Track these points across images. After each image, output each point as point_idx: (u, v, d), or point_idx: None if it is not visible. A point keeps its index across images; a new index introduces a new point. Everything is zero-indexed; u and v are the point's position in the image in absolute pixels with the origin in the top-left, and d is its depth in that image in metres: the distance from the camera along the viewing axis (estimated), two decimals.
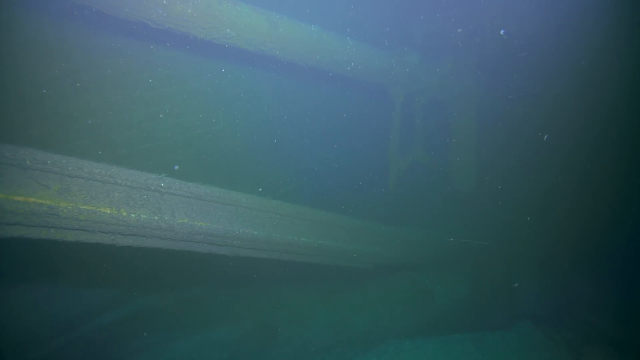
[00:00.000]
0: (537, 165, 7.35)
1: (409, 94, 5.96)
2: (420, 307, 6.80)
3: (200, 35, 4.35)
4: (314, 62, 4.94)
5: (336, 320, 6.45)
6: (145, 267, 4.84)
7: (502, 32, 5.57)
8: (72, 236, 3.03)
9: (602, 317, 7.00)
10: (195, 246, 4.01)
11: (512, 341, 6.72)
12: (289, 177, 5.59)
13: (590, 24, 6.42)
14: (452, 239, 6.46)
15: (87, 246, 3.30)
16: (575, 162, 7.19)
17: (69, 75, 3.86)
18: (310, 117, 5.59)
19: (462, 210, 7.11)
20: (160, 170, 3.75)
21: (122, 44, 4.56)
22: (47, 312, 4.90)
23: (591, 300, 7.34)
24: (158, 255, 4.14)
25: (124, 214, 3.34)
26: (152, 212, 3.57)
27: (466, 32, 6.10)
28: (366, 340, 6.56)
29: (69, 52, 3.82)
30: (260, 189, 5.96)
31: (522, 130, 7.28)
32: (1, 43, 3.80)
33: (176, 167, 4.55)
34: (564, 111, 7.13)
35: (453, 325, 6.84)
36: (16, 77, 3.97)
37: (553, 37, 6.53)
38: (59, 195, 2.87)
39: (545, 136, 7.24)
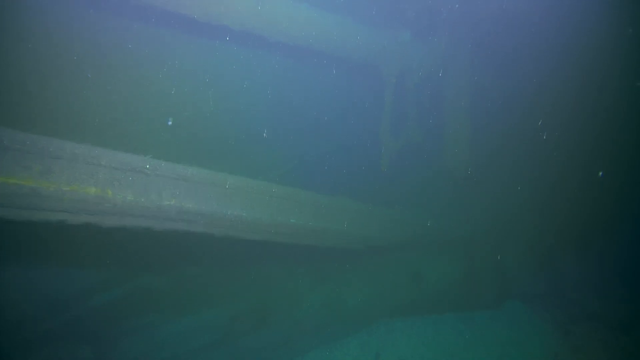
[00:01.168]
0: (530, 146, 7.34)
1: (401, 74, 5.88)
2: (411, 287, 6.88)
3: (187, 13, 4.25)
4: (303, 42, 4.84)
5: (328, 301, 6.52)
6: (137, 249, 4.85)
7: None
8: (57, 217, 3.02)
9: (590, 296, 7.12)
10: (183, 227, 4.01)
11: (502, 320, 6.85)
12: (280, 160, 5.56)
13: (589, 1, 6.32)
14: (429, 223, 6.48)
15: (73, 228, 3.28)
16: (568, 145, 7.19)
17: (50, 54, 3.77)
18: (301, 98, 5.52)
19: (454, 191, 7.12)
20: (147, 152, 3.71)
21: (106, 21, 4.45)
22: (38, 293, 4.93)
23: (580, 280, 7.45)
24: (148, 236, 4.15)
25: (110, 195, 3.32)
26: (139, 193, 3.55)
27: (461, 8, 5.98)
28: (357, 320, 6.66)
29: (48, 30, 3.72)
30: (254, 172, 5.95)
31: (517, 111, 7.24)
32: None
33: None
34: (560, 92, 7.08)
35: (443, 305, 6.94)
36: None
37: (550, 14, 6.43)
38: (40, 176, 2.84)
39: (540, 121, 7.23)
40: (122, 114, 3.99)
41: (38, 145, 2.83)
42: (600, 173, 6.72)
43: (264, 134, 5.29)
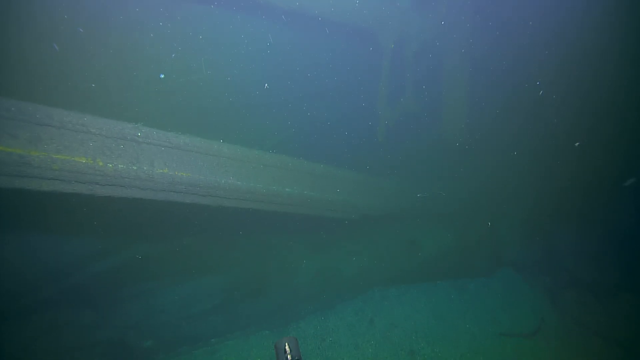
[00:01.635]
0: (527, 117, 7.26)
1: (399, 41, 5.72)
2: (405, 256, 7.00)
3: None
4: (299, 5, 4.67)
5: (324, 269, 6.63)
6: (134, 218, 4.85)
7: None
8: (48, 186, 3.00)
9: (579, 263, 7.27)
10: (177, 196, 4.00)
11: (493, 287, 7.02)
12: (275, 128, 5.49)
13: None
14: (425, 194, 6.51)
15: (66, 196, 3.27)
16: (564, 117, 7.12)
17: (36, 15, 3.61)
18: (297, 64, 5.38)
19: (450, 161, 7.11)
20: (138, 120, 3.65)
21: None
22: (38, 260, 4.98)
23: (570, 248, 7.58)
24: (144, 206, 4.15)
25: (100, 164, 3.29)
26: (130, 162, 3.52)
27: None
28: (353, 288, 6.81)
29: None
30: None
31: (516, 80, 7.11)
32: None
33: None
34: (558, 61, 6.94)
35: (437, 273, 7.09)
36: None
37: None
38: (28, 144, 2.80)
39: (540, 92, 7.13)
40: (112, 80, 3.88)
41: (25, 113, 2.77)
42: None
43: (261, 102, 5.19)
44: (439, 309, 6.44)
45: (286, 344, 1.82)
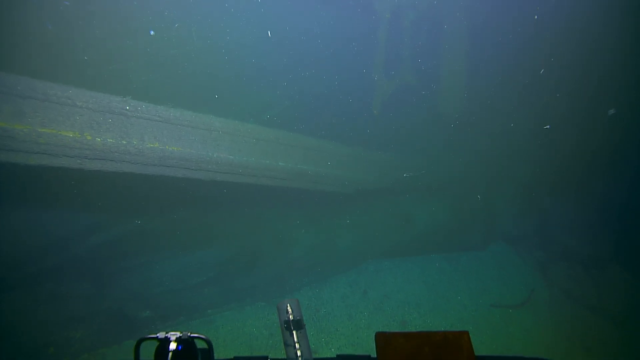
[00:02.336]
0: (525, 90, 7.16)
1: (396, 10, 5.55)
2: (400, 229, 7.07)
3: None
4: None
5: (318, 242, 6.71)
6: (130, 191, 4.84)
7: None
8: (35, 160, 2.98)
9: (571, 236, 7.35)
10: (168, 171, 3.98)
11: (485, 260, 7.13)
12: (269, 101, 5.39)
13: None
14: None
15: (55, 171, 3.25)
16: (560, 92, 7.02)
17: None
18: (290, 36, 5.22)
19: (447, 134, 7.06)
20: (127, 93, 3.58)
21: None
22: (36, 232, 5.02)
23: (563, 220, 7.65)
24: (137, 180, 4.13)
25: (89, 138, 3.26)
26: (119, 136, 3.48)
27: None
28: (347, 260, 6.91)
29: None
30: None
31: (514, 54, 6.96)
32: None
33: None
34: (558, 37, 6.77)
35: (431, 246, 7.18)
36: None
37: None
38: (12, 118, 2.75)
39: (542, 70, 7.02)
40: (99, 51, 3.76)
41: (5, 84, 2.71)
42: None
43: (254, 74, 5.07)
44: (431, 281, 6.58)
45: (287, 305, 1.86)
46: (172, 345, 1.37)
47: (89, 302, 5.80)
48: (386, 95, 6.14)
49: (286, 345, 1.76)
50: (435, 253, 7.18)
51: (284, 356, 1.77)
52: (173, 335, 1.39)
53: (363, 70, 5.91)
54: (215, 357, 1.55)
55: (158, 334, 1.40)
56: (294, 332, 1.76)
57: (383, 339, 1.57)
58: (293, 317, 1.81)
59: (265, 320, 6.01)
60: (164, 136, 3.84)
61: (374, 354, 1.64)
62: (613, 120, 6.97)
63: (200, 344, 1.48)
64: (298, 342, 1.75)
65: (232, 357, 1.80)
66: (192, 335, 1.43)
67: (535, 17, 6.41)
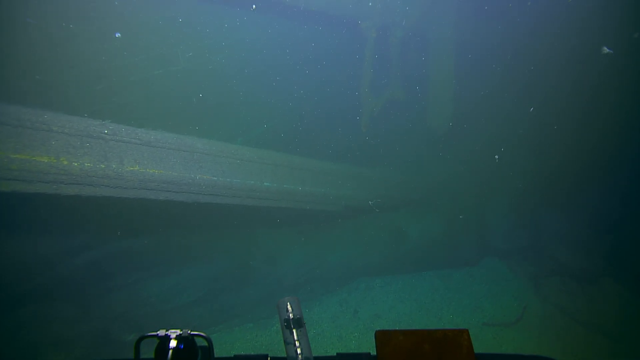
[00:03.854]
0: (513, 104, 7.19)
1: (381, 29, 5.58)
2: (391, 246, 7.00)
3: None
4: None
5: (309, 260, 6.63)
6: (116, 212, 4.78)
7: None
8: (7, 186, 2.92)
9: (563, 250, 7.29)
10: (149, 194, 3.93)
11: (478, 276, 7.05)
12: (253, 122, 5.38)
13: None
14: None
15: (30, 196, 3.19)
16: (549, 103, 7.06)
17: None
18: (275, 55, 5.23)
19: (436, 150, 7.05)
20: (105, 117, 3.55)
21: None
22: (18, 254, 4.92)
23: (555, 234, 7.60)
24: (121, 202, 4.07)
25: (65, 162, 3.21)
26: (97, 160, 3.44)
27: None
28: (338, 278, 6.83)
29: None
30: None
31: (502, 67, 7.01)
32: None
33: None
34: (545, 48, 6.83)
35: (422, 263, 7.11)
36: None
37: None
38: None
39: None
40: (75, 74, 3.73)
41: None
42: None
43: (239, 94, 5.06)
44: (423, 299, 6.48)
45: (288, 303, 1.85)
46: (173, 343, 1.40)
47: (72, 324, 5.68)
48: (374, 112, 6.14)
49: (286, 343, 1.77)
50: (427, 270, 7.10)
51: (284, 354, 1.77)
52: (173, 333, 1.42)
53: (349, 87, 5.93)
54: (215, 356, 1.56)
55: (158, 332, 1.43)
56: (294, 331, 1.77)
57: (383, 337, 1.59)
58: (293, 315, 1.82)
59: (254, 342, 5.90)
60: (145, 159, 3.80)
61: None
62: (606, 131, 6.96)
63: (200, 342, 1.51)
64: (298, 340, 1.76)
65: (232, 355, 1.81)
66: (192, 333, 1.46)
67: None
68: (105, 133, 3.47)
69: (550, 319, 6.22)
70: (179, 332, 1.44)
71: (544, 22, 6.27)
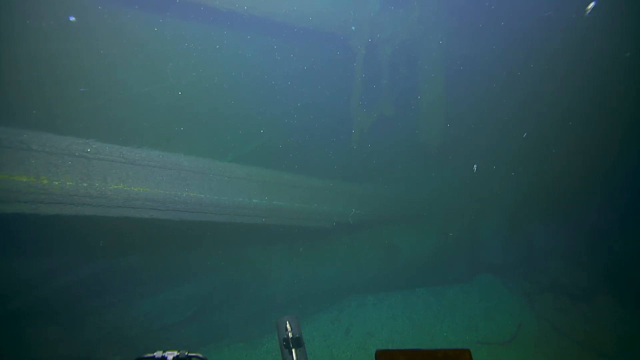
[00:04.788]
0: (504, 119, 7.22)
1: (370, 45, 5.62)
2: (384, 262, 6.91)
3: None
4: (261, 12, 4.54)
5: (300, 277, 6.53)
6: (101, 231, 4.68)
7: None
8: None
9: (558, 266, 7.24)
10: (134, 212, 3.86)
11: (471, 293, 6.96)
12: (242, 139, 5.34)
13: None
14: (401, 198, 6.43)
15: (7, 217, 3.11)
16: (542, 117, 7.10)
17: None
18: (266, 72, 5.23)
19: (428, 166, 7.04)
20: (89, 135, 3.49)
21: None
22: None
23: (550, 250, 7.56)
24: (105, 221, 3.99)
25: (45, 182, 3.14)
26: (80, 178, 3.38)
27: None
28: (330, 295, 6.71)
29: None
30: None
31: (493, 83, 7.07)
32: None
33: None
34: (536, 65, 6.90)
35: (415, 280, 7.01)
36: None
37: None
38: None
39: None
40: (58, 93, 3.69)
41: None
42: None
43: (229, 111, 5.03)
44: (416, 317, 6.37)
45: (287, 321, 1.78)
46: None
47: (54, 346, 5.51)
48: (365, 127, 6.13)
49: None
50: (420, 286, 7.00)
51: None
52: (170, 354, 1.40)
53: (340, 103, 5.93)
54: None
55: (155, 354, 1.41)
56: (293, 351, 1.71)
57: (384, 357, 1.50)
58: (292, 334, 1.76)
59: None
60: (129, 177, 3.73)
61: None
62: (601, 145, 6.97)
63: None
64: None
65: None
66: (190, 354, 1.43)
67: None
68: (88, 152, 3.41)
69: (545, 337, 6.13)
70: (176, 353, 1.42)
71: (537, 39, 6.34)
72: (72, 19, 3.79)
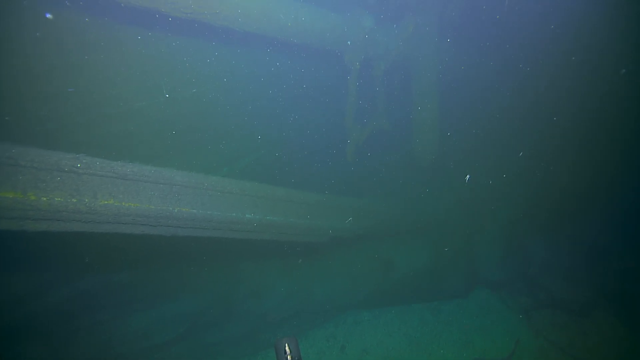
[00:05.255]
0: (498, 133, 7.25)
1: (365, 61, 5.65)
2: (379, 277, 6.83)
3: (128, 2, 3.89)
4: (254, 27, 4.56)
5: (294, 293, 6.43)
6: (91, 247, 4.61)
7: None
8: None
9: (555, 280, 7.19)
10: (124, 228, 3.79)
11: (468, 308, 6.88)
12: (237, 154, 5.33)
13: None
14: (396, 213, 6.38)
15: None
16: (539, 132, 7.13)
17: None
18: (257, 87, 5.25)
19: (423, 180, 7.02)
20: (80, 150, 3.45)
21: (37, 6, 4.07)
22: None
23: (547, 264, 7.51)
24: (94, 237, 3.92)
25: (32, 197, 3.08)
26: (69, 194, 3.31)
27: None
28: (325, 312, 6.61)
29: None
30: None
31: (486, 97, 7.12)
32: None
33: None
34: (529, 78, 6.97)
35: (411, 295, 6.93)
36: None
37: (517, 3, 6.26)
38: None
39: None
40: (48, 107, 3.67)
41: None
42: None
43: (222, 126, 5.02)
44: (412, 333, 6.28)
45: (286, 344, 1.71)
46: None
47: None
48: (360, 141, 6.13)
49: None
50: (417, 302, 6.92)
51: None
52: None
53: (334, 117, 5.93)
54: None
55: None
56: None
57: None
58: (292, 357, 1.75)
59: None
60: (120, 192, 3.68)
61: None
62: (599, 159, 6.99)
63: None
64: None
65: None
66: None
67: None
68: (78, 167, 3.36)
69: (544, 353, 6.04)
70: None
71: (533, 54, 6.40)
72: (49, 15, 3.72)
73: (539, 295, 7.07)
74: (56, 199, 3.22)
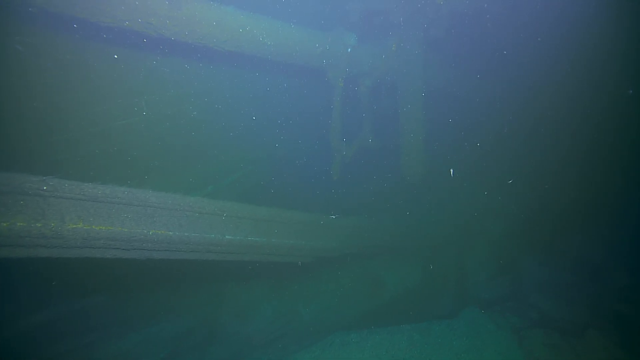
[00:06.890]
0: (487, 150, 7.22)
1: (348, 78, 5.62)
2: (367, 297, 6.68)
3: (104, 22, 3.83)
4: (237, 47, 4.52)
5: (280, 314, 6.26)
6: (58, 274, 4.45)
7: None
8: None
9: (547, 299, 7.07)
10: (94, 252, 3.64)
11: (458, 328, 6.72)
12: (221, 174, 5.22)
13: None
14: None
15: None
16: (526, 148, 7.11)
17: None
18: (239, 106, 5.18)
19: (410, 198, 6.94)
20: (47, 172, 3.32)
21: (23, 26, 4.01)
22: None
23: (539, 283, 7.41)
24: (67, 262, 3.77)
25: None
26: (33, 218, 3.17)
27: (411, 7, 5.74)
28: (311, 333, 6.42)
29: None
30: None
31: (472, 114, 7.11)
32: None
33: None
34: (515, 92, 6.98)
35: (401, 315, 6.77)
36: None
37: (504, 13, 6.29)
38: None
39: (496, 122, 7.13)
40: (14, 128, 3.56)
41: None
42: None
43: (202, 145, 4.93)
44: (401, 356, 6.08)
45: None
46: None
47: None
48: (345, 159, 6.05)
49: None
50: (406, 322, 6.74)
51: None
52: None
53: (320, 135, 5.87)
54: None
55: None
56: None
57: None
58: None
59: None
60: (90, 215, 3.54)
61: None
62: (590, 177, 6.94)
63: None
64: None
65: None
66: None
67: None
68: (44, 189, 3.23)
69: None
70: None
71: (518, 66, 6.41)
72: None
73: (531, 314, 6.93)
74: (18, 224, 3.08)
